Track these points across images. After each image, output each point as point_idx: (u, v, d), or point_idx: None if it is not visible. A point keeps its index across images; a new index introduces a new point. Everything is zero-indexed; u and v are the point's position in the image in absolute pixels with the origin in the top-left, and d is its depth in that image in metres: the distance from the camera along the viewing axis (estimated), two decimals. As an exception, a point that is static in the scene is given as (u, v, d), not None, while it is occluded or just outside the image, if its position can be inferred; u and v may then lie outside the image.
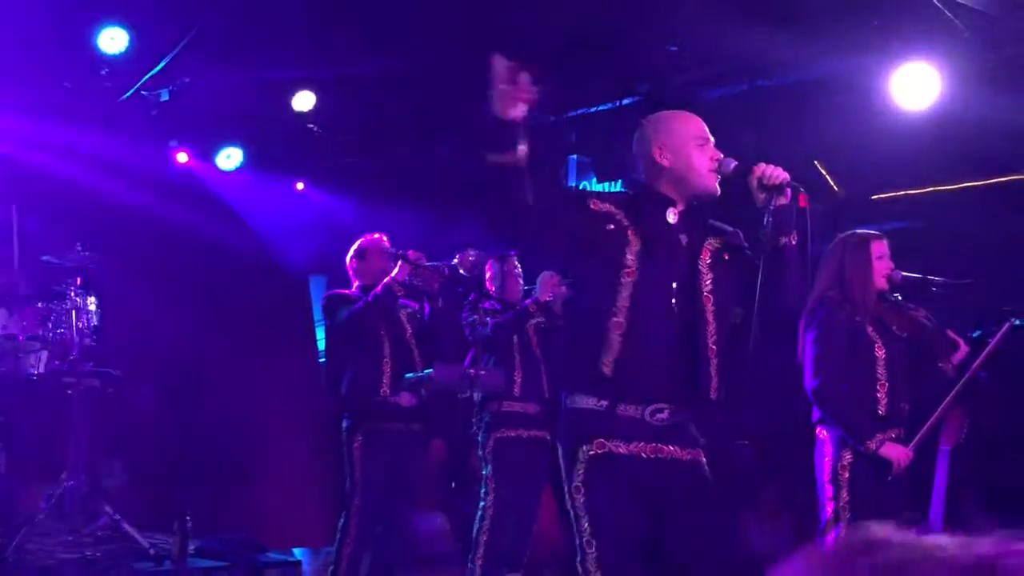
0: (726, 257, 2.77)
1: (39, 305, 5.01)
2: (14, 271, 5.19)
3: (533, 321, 4.86)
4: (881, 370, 3.73)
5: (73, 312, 5.00)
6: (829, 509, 3.68)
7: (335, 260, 5.23)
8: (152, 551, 4.74)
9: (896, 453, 3.68)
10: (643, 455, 2.62)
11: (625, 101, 6.29)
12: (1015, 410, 5.15)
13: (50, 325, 4.98)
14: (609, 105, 6.36)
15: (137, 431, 6.74)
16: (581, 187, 6.77)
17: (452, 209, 7.02)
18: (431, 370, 4.52)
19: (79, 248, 5.04)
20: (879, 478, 3.68)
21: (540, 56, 5.71)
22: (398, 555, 4.82)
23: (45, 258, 5.11)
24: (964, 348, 3.86)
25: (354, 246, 4.83)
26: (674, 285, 2.68)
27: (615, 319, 2.60)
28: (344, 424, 4.70)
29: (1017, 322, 3.90)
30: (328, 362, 6.60)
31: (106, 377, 5.14)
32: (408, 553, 5.20)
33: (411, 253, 4.56)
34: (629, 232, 2.69)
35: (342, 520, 4.68)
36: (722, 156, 2.75)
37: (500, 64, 2.52)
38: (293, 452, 7.38)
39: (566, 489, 2.67)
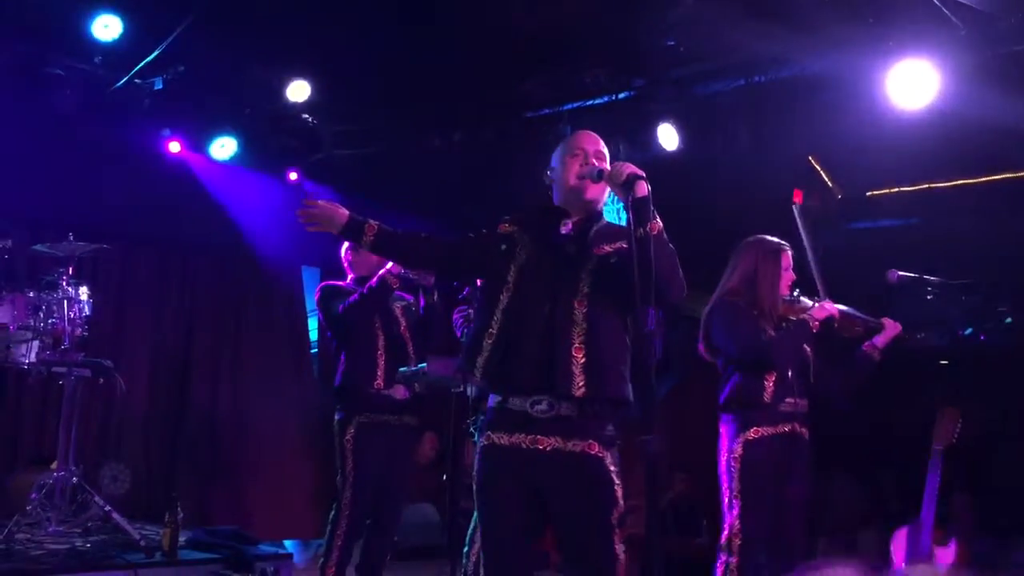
0: (612, 261, 2.95)
1: (30, 295, 4.97)
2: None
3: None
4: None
5: (65, 302, 4.97)
6: (725, 497, 3.89)
7: (327, 251, 5.20)
8: (143, 543, 4.72)
9: (827, 310, 3.93)
10: (523, 445, 2.89)
11: (621, 95, 6.27)
12: (1007, 410, 5.17)
13: (41, 315, 4.94)
14: (605, 99, 6.34)
15: (129, 422, 6.72)
16: None
17: (445, 201, 7.02)
18: (424, 364, 4.52)
19: (71, 237, 5.00)
20: (773, 468, 3.85)
21: (534, 48, 5.72)
22: (389, 547, 4.82)
23: (37, 247, 5.08)
24: (892, 327, 4.02)
25: None
26: (550, 293, 2.91)
27: (490, 330, 2.93)
28: (337, 416, 4.70)
29: (1008, 320, 3.93)
30: (321, 354, 6.57)
31: (97, 367, 5.11)
32: (399, 545, 5.20)
33: None
34: (517, 249, 3.00)
35: (333, 512, 4.68)
36: (592, 165, 2.96)
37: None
38: (284, 443, 7.37)
39: None
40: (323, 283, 4.99)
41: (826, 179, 6.41)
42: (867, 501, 6.04)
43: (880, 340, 4.04)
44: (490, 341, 2.92)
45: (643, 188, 2.78)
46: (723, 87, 5.98)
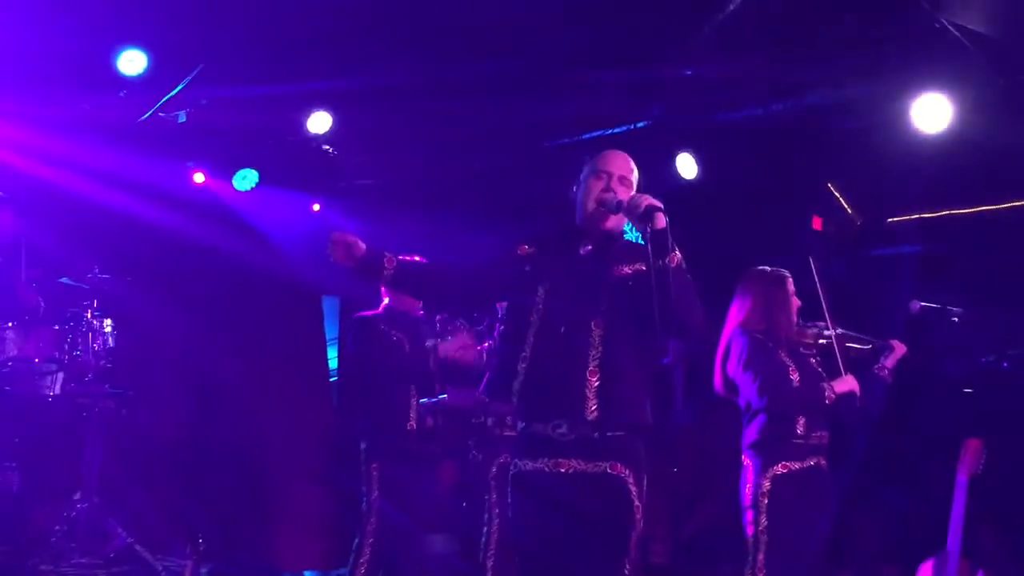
0: (630, 284, 2.91)
1: (55, 327, 5.03)
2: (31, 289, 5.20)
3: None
4: None
5: (89, 334, 5.03)
6: (750, 532, 3.82)
7: (348, 280, 5.21)
8: (165, 574, 4.74)
9: (849, 384, 3.86)
10: (545, 469, 2.87)
11: (640, 124, 6.28)
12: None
13: (66, 347, 5.00)
14: (624, 128, 6.36)
15: (151, 453, 6.74)
16: None
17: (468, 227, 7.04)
18: (445, 395, 4.54)
19: (96, 270, 5.07)
20: (800, 503, 3.79)
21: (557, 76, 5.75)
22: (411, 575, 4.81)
23: (62, 280, 5.14)
24: (898, 347, 4.01)
25: None
26: (570, 314, 2.88)
27: (523, 353, 2.90)
28: (362, 445, 4.72)
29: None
30: (345, 384, 6.58)
31: (121, 399, 5.15)
32: (420, 574, 5.19)
33: None
34: (542, 271, 2.97)
35: (356, 541, 4.69)
36: (611, 192, 2.92)
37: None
38: (305, 473, 7.37)
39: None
40: (357, 315, 4.99)
41: (845, 207, 6.40)
42: (891, 533, 5.98)
43: (889, 361, 4.01)
44: (524, 364, 2.88)
45: (661, 220, 2.73)
46: (742, 116, 5.98)
